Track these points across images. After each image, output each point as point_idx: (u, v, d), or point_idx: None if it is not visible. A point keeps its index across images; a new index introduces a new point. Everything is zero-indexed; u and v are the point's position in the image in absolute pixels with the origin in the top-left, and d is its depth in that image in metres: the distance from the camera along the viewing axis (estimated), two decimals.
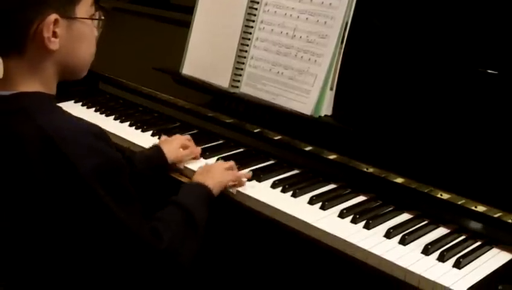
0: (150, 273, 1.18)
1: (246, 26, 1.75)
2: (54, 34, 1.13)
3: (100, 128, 1.18)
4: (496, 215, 1.30)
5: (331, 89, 1.59)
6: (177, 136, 1.70)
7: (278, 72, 1.67)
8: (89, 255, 1.15)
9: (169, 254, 1.19)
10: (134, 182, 1.20)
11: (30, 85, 1.15)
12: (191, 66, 1.90)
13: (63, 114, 1.18)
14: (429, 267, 1.22)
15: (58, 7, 1.13)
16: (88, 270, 1.18)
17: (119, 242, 1.14)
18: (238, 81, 1.76)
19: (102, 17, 1.26)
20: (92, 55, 1.24)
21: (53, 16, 1.12)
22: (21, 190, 1.10)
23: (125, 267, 1.17)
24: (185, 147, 1.65)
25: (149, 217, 1.24)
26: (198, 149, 1.67)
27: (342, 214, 1.39)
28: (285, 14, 1.68)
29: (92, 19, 1.22)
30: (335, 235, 1.32)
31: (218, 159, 1.65)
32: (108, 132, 1.86)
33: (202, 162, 1.65)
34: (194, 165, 1.62)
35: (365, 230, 1.34)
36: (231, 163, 1.55)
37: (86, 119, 1.92)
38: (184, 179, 1.60)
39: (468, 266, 1.23)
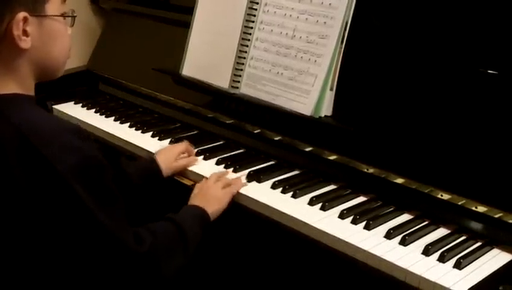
0: (127, 277, 1.16)
1: (245, 26, 1.75)
2: (25, 33, 1.13)
3: (79, 126, 1.16)
4: (496, 216, 1.30)
5: (331, 89, 1.59)
6: (175, 145, 1.68)
7: (278, 73, 1.67)
8: (69, 256, 1.14)
9: (149, 260, 1.17)
10: (128, 193, 1.18)
11: (6, 87, 1.15)
12: (191, 67, 1.90)
13: (41, 114, 1.16)
14: (430, 268, 1.21)
15: (27, 5, 1.12)
16: (68, 270, 1.16)
17: (97, 242, 1.12)
18: (238, 81, 1.76)
19: (75, 15, 1.24)
20: (67, 53, 1.23)
21: (22, 14, 1.11)
22: (1, 192, 1.09)
23: (103, 269, 1.15)
24: (183, 153, 1.65)
25: (140, 225, 1.23)
26: (194, 158, 1.66)
27: (342, 215, 1.39)
28: (285, 14, 1.68)
29: (63, 16, 1.21)
30: (335, 236, 1.32)
31: (218, 161, 1.65)
32: (108, 133, 1.88)
33: (203, 163, 1.65)
34: (196, 168, 1.62)
35: (365, 231, 1.34)
36: (226, 181, 1.52)
37: (86, 120, 1.95)
38: (186, 181, 1.60)
39: (468, 266, 1.23)
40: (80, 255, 1.13)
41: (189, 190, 1.53)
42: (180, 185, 1.60)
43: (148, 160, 1.59)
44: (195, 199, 1.46)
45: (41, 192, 1.08)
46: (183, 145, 1.67)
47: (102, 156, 1.16)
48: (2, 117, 1.10)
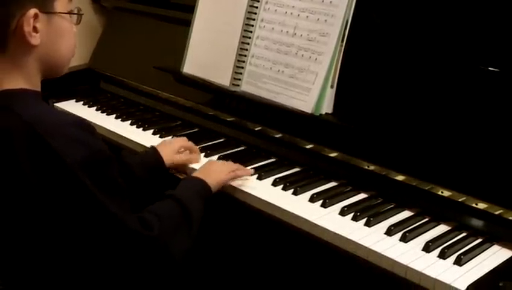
0: (139, 262, 1.18)
1: (246, 24, 1.76)
2: (35, 29, 1.14)
3: (85, 120, 1.18)
4: (496, 213, 1.30)
5: (332, 87, 1.59)
6: (177, 139, 1.68)
7: (279, 71, 1.68)
8: (79, 246, 1.15)
9: (158, 243, 1.19)
10: (131, 185, 1.20)
11: (14, 82, 1.16)
12: (192, 65, 1.91)
13: (48, 108, 1.18)
14: (430, 265, 1.22)
15: (37, 1, 1.14)
16: (78, 261, 1.17)
17: (107, 232, 1.13)
18: (239, 79, 1.77)
19: (81, 13, 1.26)
20: (72, 50, 1.25)
21: (33, 11, 1.13)
22: (9, 185, 1.11)
23: (114, 257, 1.16)
24: (185, 149, 1.65)
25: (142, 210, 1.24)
26: (196, 156, 1.65)
27: (343, 212, 1.39)
28: (286, 12, 1.68)
29: (71, 14, 1.22)
30: (336, 233, 1.32)
31: (219, 158, 1.65)
32: (109, 130, 1.89)
33: (204, 161, 1.65)
34: (197, 165, 1.62)
35: (366, 227, 1.35)
36: (232, 165, 1.55)
37: (87, 118, 1.95)
38: None
39: (469, 263, 1.23)
40: (91, 244, 1.15)
41: None
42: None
43: (150, 152, 1.60)
44: (197, 172, 1.47)
45: (51, 184, 1.09)
46: (183, 139, 1.68)
47: (107, 148, 1.18)
48: (10, 111, 1.11)
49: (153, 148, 1.60)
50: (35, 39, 1.15)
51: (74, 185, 1.09)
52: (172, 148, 1.61)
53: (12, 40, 1.14)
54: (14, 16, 1.12)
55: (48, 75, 1.23)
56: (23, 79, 1.17)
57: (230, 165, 1.52)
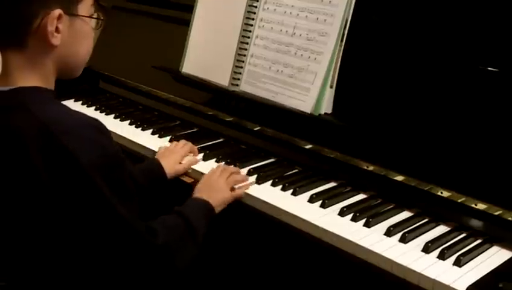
0: (140, 266, 1.18)
1: (245, 24, 1.75)
2: (57, 30, 1.14)
3: (100, 122, 1.18)
4: (496, 213, 1.30)
5: (331, 86, 1.59)
6: (178, 149, 1.68)
7: (278, 70, 1.67)
8: (86, 248, 1.15)
9: (163, 252, 1.20)
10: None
11: (29, 80, 1.16)
12: (191, 65, 1.90)
13: (63, 108, 1.18)
14: (429, 266, 1.21)
15: (62, 3, 1.14)
16: (83, 259, 1.17)
17: (115, 235, 1.13)
18: (238, 79, 1.76)
19: (102, 18, 1.27)
20: (89, 54, 1.26)
21: (58, 11, 1.13)
22: (22, 184, 1.10)
23: (119, 260, 1.16)
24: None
25: (150, 220, 1.24)
26: (195, 159, 1.66)
27: (342, 212, 1.39)
28: (285, 12, 1.68)
29: (93, 18, 1.23)
30: (335, 234, 1.32)
31: (217, 159, 1.65)
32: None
33: (203, 161, 1.66)
34: (196, 165, 1.63)
35: (365, 228, 1.34)
36: (232, 169, 1.55)
37: None
38: (186, 179, 1.61)
39: (468, 264, 1.23)
40: (98, 246, 1.15)
41: (189, 187, 1.53)
42: (180, 183, 1.61)
43: (154, 163, 1.60)
44: (201, 192, 1.46)
45: (63, 184, 1.09)
46: (188, 148, 1.68)
47: (120, 151, 1.18)
48: (25, 110, 1.11)
49: (156, 160, 1.61)
50: (56, 39, 1.15)
51: (86, 185, 1.09)
52: (174, 160, 1.62)
53: (33, 39, 1.14)
54: (37, 15, 1.12)
55: (63, 76, 1.23)
56: (38, 78, 1.17)
57: (231, 180, 1.51)
